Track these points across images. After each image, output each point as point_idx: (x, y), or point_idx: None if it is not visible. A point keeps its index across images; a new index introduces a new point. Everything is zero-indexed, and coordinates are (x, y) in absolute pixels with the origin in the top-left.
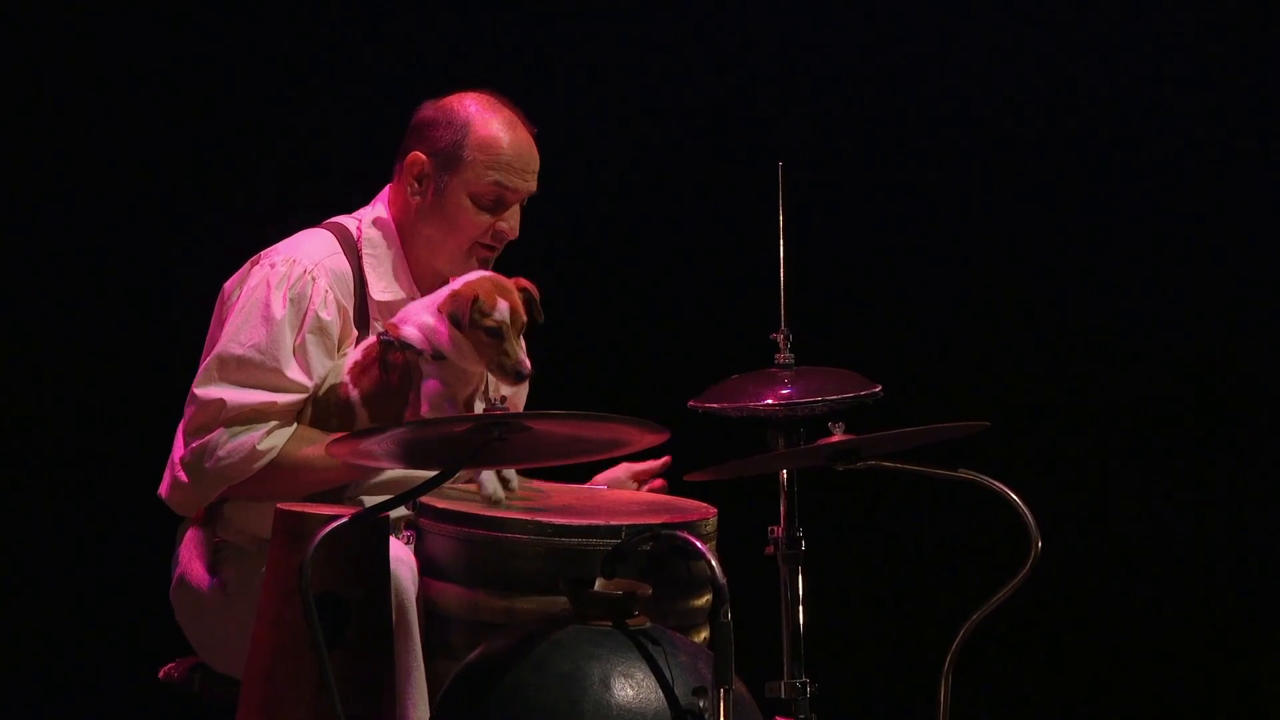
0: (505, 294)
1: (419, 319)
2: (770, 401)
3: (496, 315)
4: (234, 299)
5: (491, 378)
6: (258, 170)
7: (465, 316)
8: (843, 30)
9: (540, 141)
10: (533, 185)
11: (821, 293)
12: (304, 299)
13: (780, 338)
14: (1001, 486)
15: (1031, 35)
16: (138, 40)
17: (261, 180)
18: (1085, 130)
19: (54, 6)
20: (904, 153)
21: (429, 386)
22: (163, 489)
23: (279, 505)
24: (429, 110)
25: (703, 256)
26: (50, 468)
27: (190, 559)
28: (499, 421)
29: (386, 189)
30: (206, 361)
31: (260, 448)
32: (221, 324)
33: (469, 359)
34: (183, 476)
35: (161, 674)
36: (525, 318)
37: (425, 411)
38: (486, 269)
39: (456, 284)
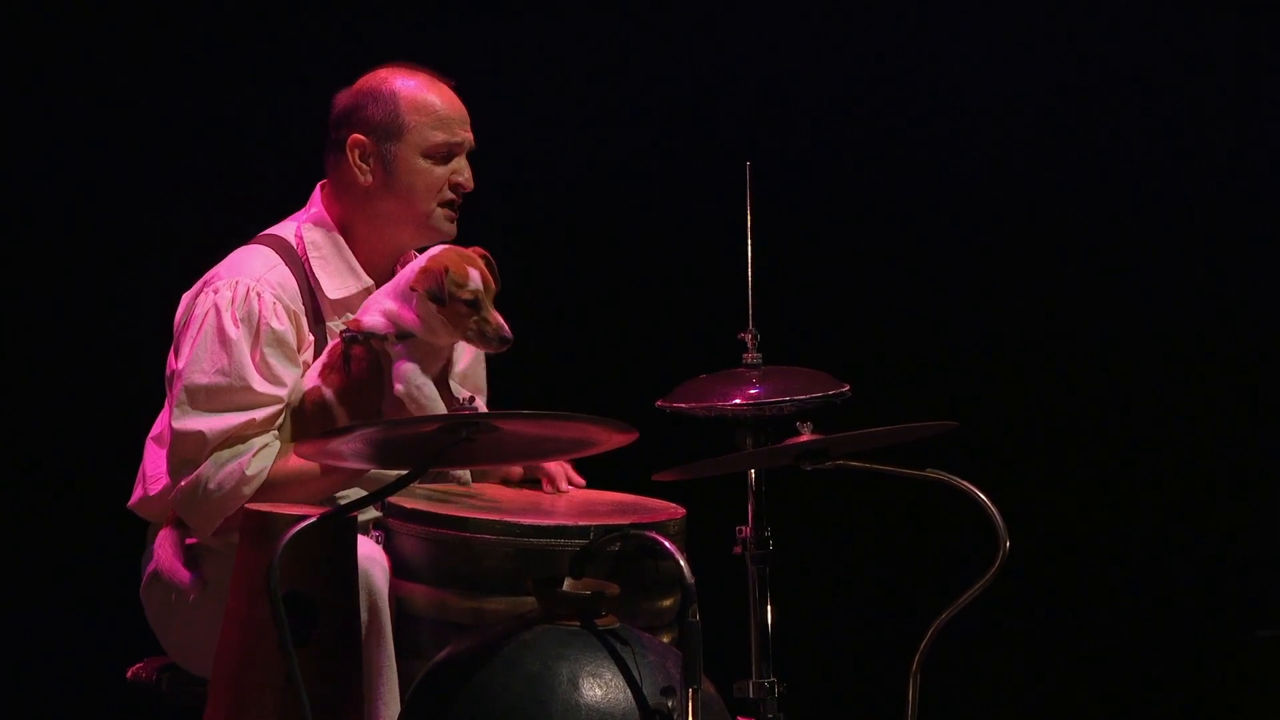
0: (472, 263)
1: (380, 306)
2: (738, 401)
3: (471, 285)
4: (183, 326)
5: (461, 351)
6: (214, 177)
7: (444, 290)
8: (812, 29)
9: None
10: (471, 136)
11: (789, 293)
12: (254, 315)
13: (748, 337)
14: (970, 486)
15: (1002, 33)
16: (86, 46)
17: (213, 192)
18: (1054, 131)
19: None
20: (872, 152)
21: (400, 368)
22: (131, 501)
23: (246, 505)
24: (347, 97)
25: (671, 256)
26: (14, 466)
27: (168, 557)
28: (467, 422)
29: (317, 190)
30: (175, 394)
31: (249, 473)
32: (178, 348)
33: (439, 334)
34: (180, 513)
35: (130, 674)
36: (495, 284)
37: (399, 390)
38: (453, 228)
39: (419, 263)
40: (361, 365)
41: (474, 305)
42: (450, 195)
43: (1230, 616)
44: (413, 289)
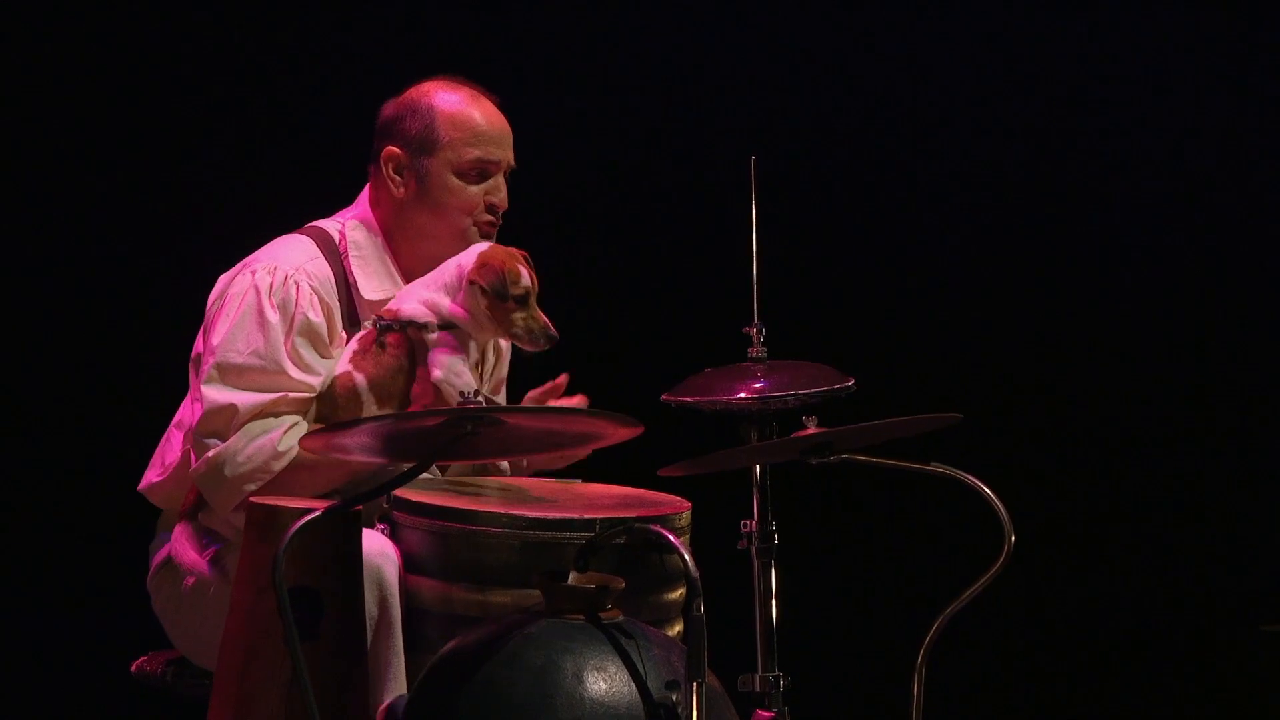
0: (521, 262)
1: (419, 296)
2: (743, 395)
3: (524, 283)
4: (218, 307)
5: (495, 347)
6: (240, 167)
7: (505, 285)
8: (817, 24)
9: (515, 135)
10: (511, 156)
11: (794, 286)
12: (290, 303)
13: (753, 331)
14: (975, 480)
15: (1012, 27)
16: (118, 42)
17: (241, 179)
18: (1061, 127)
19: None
20: (876, 146)
21: (439, 355)
22: (142, 484)
23: (251, 498)
24: (391, 108)
25: (676, 250)
26: (21, 458)
27: (185, 550)
28: (472, 415)
29: (366, 189)
30: (206, 370)
31: (280, 448)
32: (210, 326)
33: (484, 328)
34: (202, 488)
35: (134, 667)
36: (536, 284)
37: (436, 376)
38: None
39: (469, 257)
40: (396, 352)
41: (523, 302)
42: (486, 216)
43: (1234, 611)
44: (472, 281)
